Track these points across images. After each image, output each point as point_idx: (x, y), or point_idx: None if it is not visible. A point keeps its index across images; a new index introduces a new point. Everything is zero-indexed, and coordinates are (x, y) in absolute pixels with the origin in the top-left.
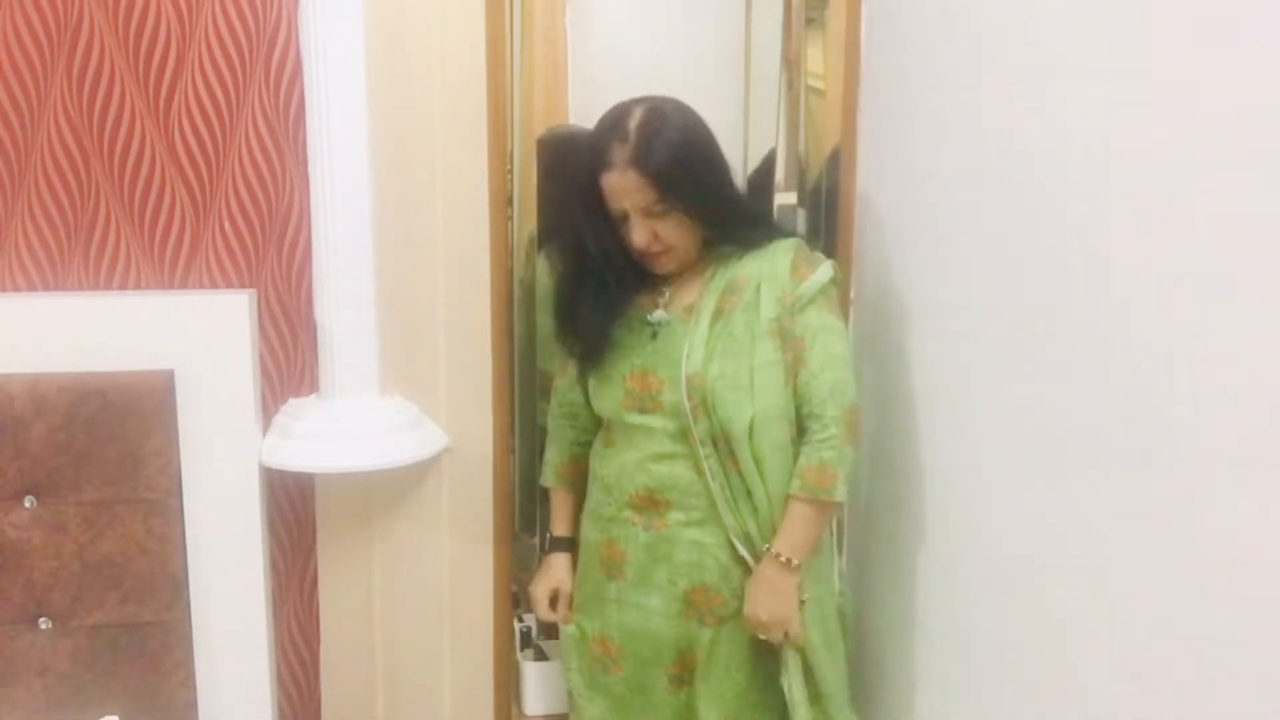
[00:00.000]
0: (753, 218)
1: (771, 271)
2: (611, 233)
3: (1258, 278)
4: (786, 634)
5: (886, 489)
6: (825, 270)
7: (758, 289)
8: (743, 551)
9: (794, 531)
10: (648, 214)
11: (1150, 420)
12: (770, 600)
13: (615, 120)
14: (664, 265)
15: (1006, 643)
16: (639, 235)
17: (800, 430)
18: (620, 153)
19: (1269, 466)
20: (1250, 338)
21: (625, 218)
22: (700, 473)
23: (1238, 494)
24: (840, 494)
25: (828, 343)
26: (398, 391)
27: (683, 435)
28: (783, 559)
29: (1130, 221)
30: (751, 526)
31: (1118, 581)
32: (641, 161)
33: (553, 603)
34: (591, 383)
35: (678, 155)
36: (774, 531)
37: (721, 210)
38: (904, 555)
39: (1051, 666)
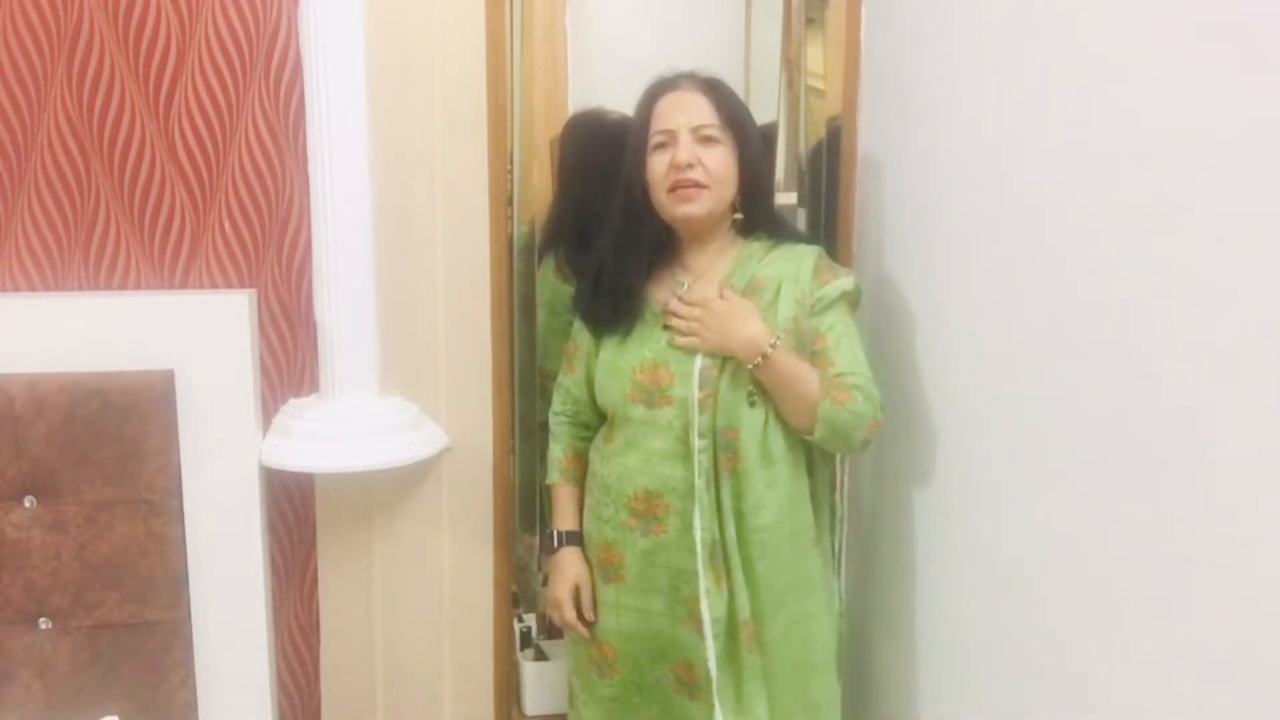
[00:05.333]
0: (779, 214)
1: (794, 274)
2: (640, 193)
3: (1258, 278)
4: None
5: (887, 489)
6: (847, 279)
7: (778, 290)
8: (699, 564)
9: (794, 360)
10: (698, 137)
11: (1152, 420)
12: (734, 317)
13: (681, 72)
14: (695, 200)
15: (1009, 644)
16: (684, 152)
17: None
18: (688, 80)
19: (1269, 466)
20: (1251, 338)
21: (662, 147)
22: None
23: (1238, 493)
24: (827, 412)
25: (852, 347)
26: (398, 391)
27: (686, 433)
28: (774, 344)
29: (1131, 221)
30: (730, 534)
31: (1119, 582)
32: (707, 86)
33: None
34: (599, 372)
35: (739, 101)
36: (748, 549)
37: (760, 178)
38: (906, 556)
39: (1054, 668)
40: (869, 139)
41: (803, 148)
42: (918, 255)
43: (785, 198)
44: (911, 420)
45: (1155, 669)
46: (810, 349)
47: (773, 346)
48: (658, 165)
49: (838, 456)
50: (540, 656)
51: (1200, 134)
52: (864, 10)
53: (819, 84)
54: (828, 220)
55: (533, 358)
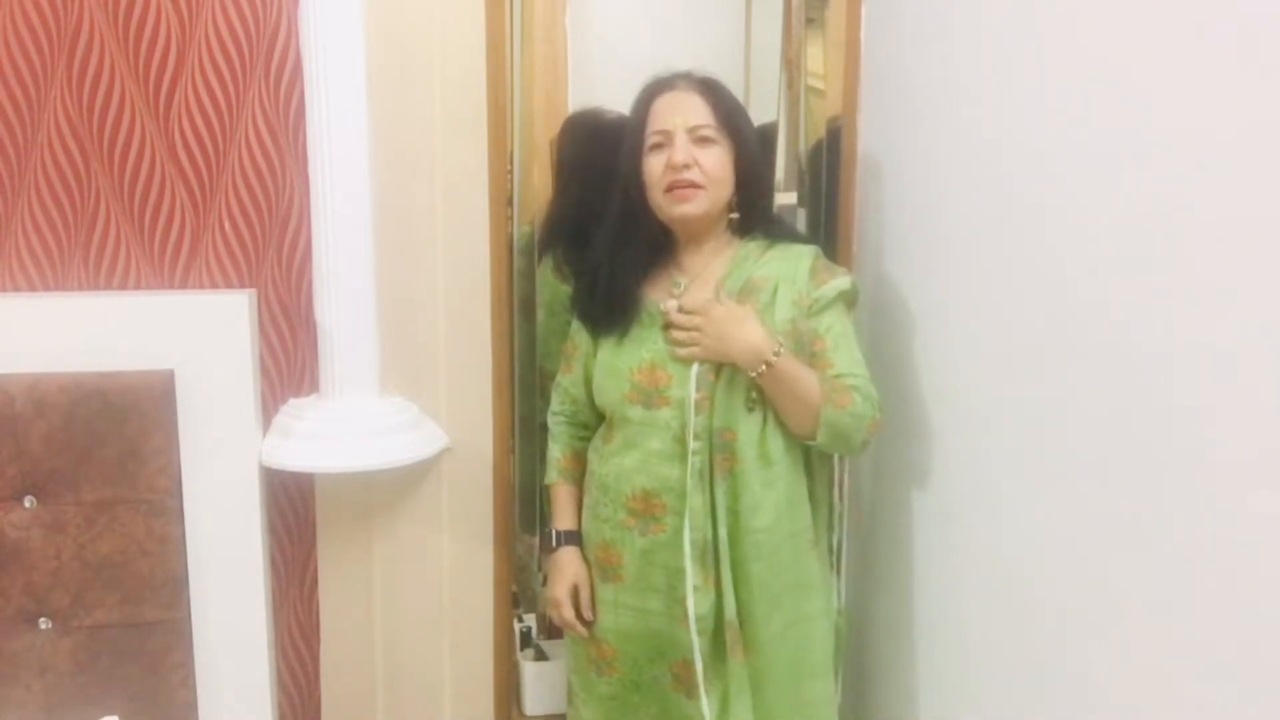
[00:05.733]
0: (776, 214)
1: (791, 274)
2: (637, 193)
3: (1259, 278)
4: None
5: (887, 489)
6: (844, 279)
7: (775, 291)
8: (687, 561)
9: (797, 366)
10: (694, 138)
11: (1151, 420)
12: (732, 324)
13: (677, 71)
14: (692, 201)
15: (1006, 641)
16: (680, 153)
17: None
18: (683, 80)
19: (1269, 466)
20: (1251, 338)
21: (659, 148)
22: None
23: (1238, 493)
24: (829, 417)
25: (850, 348)
26: (398, 391)
27: (684, 433)
28: (777, 352)
29: (1132, 221)
30: (723, 535)
31: (1118, 582)
32: (703, 86)
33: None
34: (597, 373)
35: (736, 101)
36: (744, 550)
37: (757, 178)
38: (905, 555)
39: (1052, 665)
40: (869, 139)
41: (803, 148)
42: (918, 255)
43: (785, 198)
44: (911, 420)
45: (1155, 669)
46: (809, 350)
47: (776, 354)
48: (654, 166)
49: (835, 456)
50: (540, 656)
51: (1200, 134)
52: (864, 10)
53: (819, 84)
54: (828, 220)
55: (533, 357)
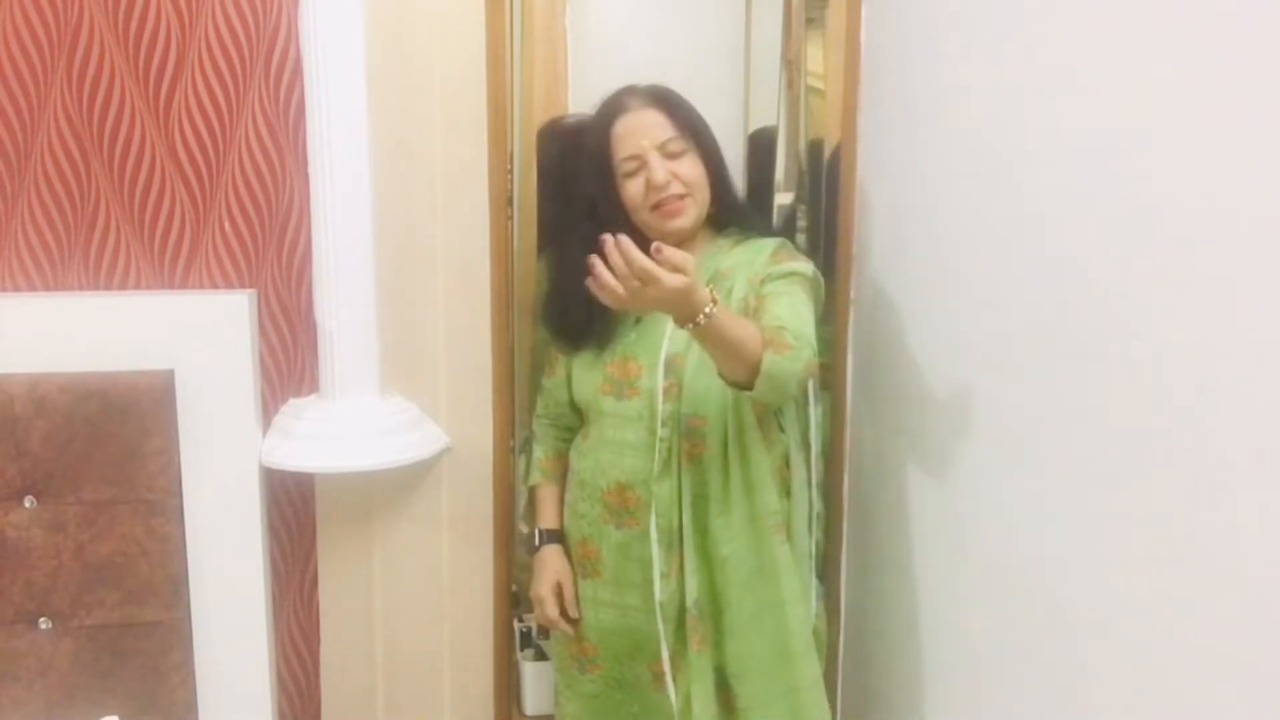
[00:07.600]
0: (749, 209)
1: (750, 260)
2: (614, 215)
3: (1259, 279)
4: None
5: (887, 488)
6: (806, 265)
7: (735, 278)
8: (654, 547)
9: (732, 318)
10: (665, 153)
11: (1151, 419)
12: (669, 287)
13: (622, 88)
14: (683, 213)
15: (1007, 642)
16: (659, 172)
17: None
18: (636, 98)
19: (1269, 465)
20: (1250, 336)
21: (634, 173)
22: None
23: (1238, 493)
24: (769, 364)
25: (793, 303)
26: (398, 391)
27: (654, 423)
28: (713, 306)
29: (1131, 220)
30: (686, 519)
31: (1119, 581)
32: (657, 98)
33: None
34: (575, 369)
35: (689, 104)
36: (712, 535)
37: (724, 174)
38: (905, 555)
39: (1053, 666)
40: (869, 139)
41: (803, 148)
42: (918, 254)
43: (785, 198)
44: (911, 420)
45: (1157, 668)
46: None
47: (714, 303)
48: (633, 190)
49: (812, 449)
50: (540, 656)
51: (1202, 135)
52: (864, 10)
53: (819, 84)
54: (828, 220)
55: (533, 357)
